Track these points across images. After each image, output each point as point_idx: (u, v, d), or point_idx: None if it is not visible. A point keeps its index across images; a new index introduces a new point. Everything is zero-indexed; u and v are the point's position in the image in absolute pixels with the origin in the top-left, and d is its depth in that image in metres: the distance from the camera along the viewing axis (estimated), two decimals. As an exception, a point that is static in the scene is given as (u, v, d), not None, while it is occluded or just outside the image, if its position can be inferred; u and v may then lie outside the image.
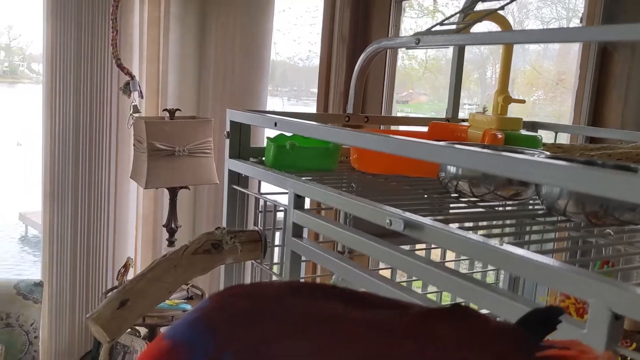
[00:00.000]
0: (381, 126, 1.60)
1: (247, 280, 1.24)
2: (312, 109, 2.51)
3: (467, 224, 0.84)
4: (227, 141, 1.12)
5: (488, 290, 0.61)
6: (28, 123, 7.93)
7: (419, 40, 0.97)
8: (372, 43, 1.13)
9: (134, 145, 2.07)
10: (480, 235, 0.65)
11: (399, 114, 2.58)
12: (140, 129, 1.95)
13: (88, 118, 2.16)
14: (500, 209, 0.90)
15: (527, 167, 0.54)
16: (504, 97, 1.10)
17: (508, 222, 0.83)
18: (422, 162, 0.96)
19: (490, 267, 1.40)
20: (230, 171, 1.12)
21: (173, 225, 2.11)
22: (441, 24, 1.00)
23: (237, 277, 1.16)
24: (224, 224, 1.12)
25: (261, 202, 1.09)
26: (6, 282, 2.06)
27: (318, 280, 1.53)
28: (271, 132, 1.09)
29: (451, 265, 1.29)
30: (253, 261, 1.07)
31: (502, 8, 1.04)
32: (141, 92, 2.13)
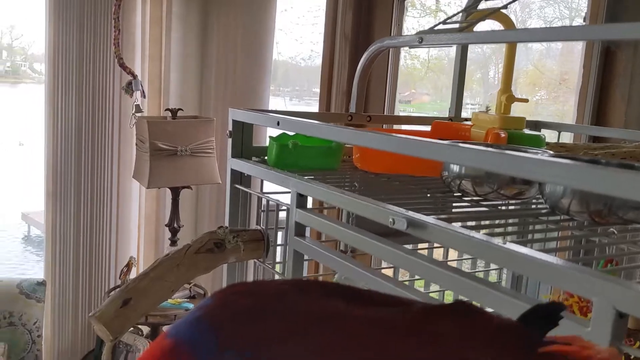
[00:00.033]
0: (384, 125, 1.60)
1: (250, 279, 1.24)
2: (314, 108, 2.51)
3: (470, 223, 0.84)
4: (230, 140, 1.12)
5: (491, 288, 0.60)
6: (30, 123, 7.95)
7: (421, 39, 0.97)
8: (374, 42, 1.13)
9: (136, 145, 2.07)
10: (483, 234, 0.65)
11: (402, 114, 2.58)
12: (142, 128, 1.95)
13: (90, 118, 2.16)
14: (504, 208, 0.90)
15: (531, 166, 0.54)
16: (507, 96, 1.09)
17: (511, 221, 0.83)
18: (425, 161, 0.96)
19: (492, 267, 1.40)
20: (232, 170, 1.12)
21: (175, 225, 2.11)
22: (444, 22, 1.00)
23: (240, 276, 1.16)
24: (227, 223, 1.12)
25: (264, 202, 1.09)
26: (9, 281, 2.06)
27: (320, 279, 1.53)
28: (273, 132, 1.09)
29: (453, 264, 1.29)
30: (255, 260, 1.07)
31: (505, 7, 1.03)
32: (143, 91, 2.13)
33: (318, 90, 2.22)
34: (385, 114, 2.06)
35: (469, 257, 1.36)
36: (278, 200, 1.05)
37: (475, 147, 0.62)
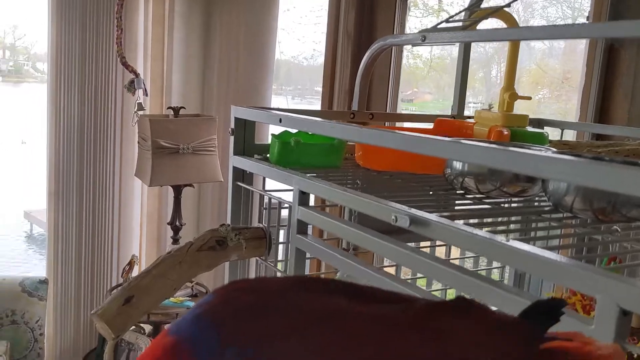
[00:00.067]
0: (386, 123, 1.60)
1: (252, 277, 1.24)
2: (316, 107, 2.50)
3: (472, 221, 0.84)
4: (232, 138, 1.12)
5: (494, 286, 0.60)
6: (33, 122, 7.96)
7: (424, 37, 0.97)
8: (377, 40, 1.13)
9: (138, 143, 2.07)
10: (486, 231, 0.65)
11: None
12: (144, 126, 1.95)
13: (92, 116, 2.16)
14: (506, 205, 0.90)
15: (535, 162, 0.54)
16: (510, 93, 1.09)
17: (514, 218, 0.83)
18: (427, 159, 0.96)
19: (495, 265, 1.40)
20: (234, 168, 1.12)
21: (177, 223, 2.11)
22: (447, 21, 1.00)
23: (242, 274, 1.16)
24: (229, 221, 1.12)
25: (265, 199, 1.08)
26: (11, 279, 2.07)
27: (323, 277, 1.52)
28: (276, 130, 1.09)
29: (456, 262, 1.28)
30: (258, 258, 1.07)
31: (508, 5, 1.03)
32: (146, 89, 2.13)
33: (320, 89, 2.22)
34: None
35: (472, 255, 1.36)
36: (280, 198, 1.05)
37: (478, 143, 0.61)
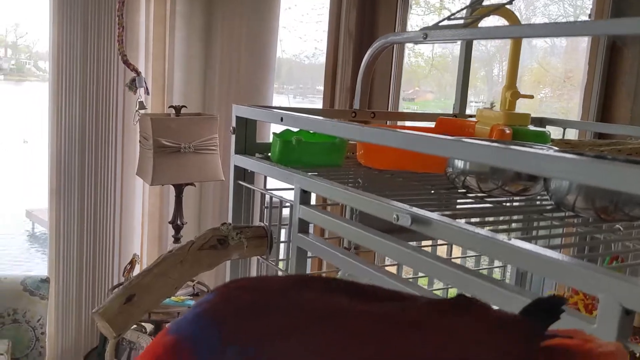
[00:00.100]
0: (388, 122, 1.59)
1: (253, 276, 1.24)
2: (318, 106, 2.50)
3: (474, 220, 0.83)
4: (233, 137, 1.11)
5: (496, 285, 0.60)
6: (34, 121, 7.96)
7: (426, 35, 0.97)
8: (379, 38, 1.13)
9: (139, 142, 2.07)
10: (488, 230, 0.64)
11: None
12: (146, 125, 1.95)
13: (94, 115, 2.16)
14: (508, 204, 0.89)
15: (537, 161, 0.54)
16: (512, 92, 1.09)
17: (515, 217, 0.82)
18: (429, 158, 0.96)
19: (496, 264, 1.40)
20: (236, 167, 1.12)
21: (179, 222, 2.11)
22: (449, 18, 1.00)
23: (243, 273, 1.16)
24: (230, 220, 1.12)
25: (267, 198, 1.08)
26: (13, 278, 2.07)
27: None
28: (277, 128, 1.09)
29: (457, 262, 1.28)
30: (259, 257, 1.06)
31: (510, 2, 1.03)
32: (147, 88, 2.13)
33: (322, 88, 2.22)
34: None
35: (473, 254, 1.35)
36: (281, 197, 1.05)
37: (480, 142, 0.61)
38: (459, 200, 0.90)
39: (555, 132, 1.31)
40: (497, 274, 1.41)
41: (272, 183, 1.09)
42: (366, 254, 1.39)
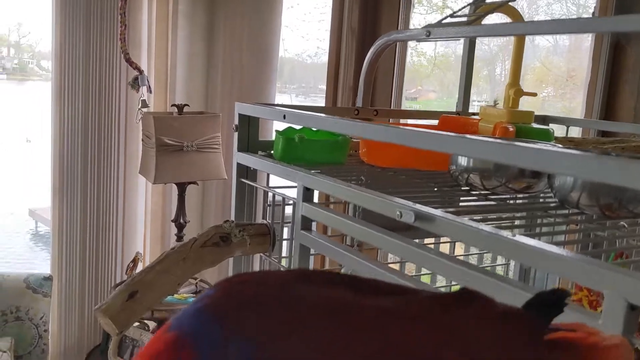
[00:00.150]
0: (390, 120, 1.59)
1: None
2: (320, 105, 2.50)
3: (477, 217, 0.83)
4: (236, 134, 1.11)
5: (500, 281, 0.60)
6: (37, 120, 7.98)
7: (429, 32, 0.97)
8: (382, 36, 1.12)
9: (142, 140, 2.07)
10: (491, 226, 0.64)
11: (408, 110, 2.56)
12: (148, 124, 1.95)
13: (97, 114, 2.16)
14: (512, 202, 0.89)
15: (542, 157, 0.54)
16: (516, 90, 1.08)
17: (519, 214, 0.82)
18: (432, 155, 0.95)
19: (499, 262, 1.39)
20: (238, 164, 1.12)
21: (181, 221, 2.11)
22: (452, 16, 0.99)
23: (246, 270, 1.15)
24: (233, 218, 1.12)
25: (270, 196, 1.08)
26: (16, 275, 2.07)
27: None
28: (280, 127, 1.09)
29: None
30: (261, 254, 1.06)
31: None
32: (149, 86, 2.13)
33: (324, 87, 2.21)
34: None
35: (476, 252, 1.35)
36: (284, 194, 1.04)
37: (484, 138, 0.61)
38: (462, 198, 0.90)
39: (558, 131, 1.31)
40: (500, 271, 1.40)
41: (274, 181, 1.09)
42: (369, 252, 1.39)
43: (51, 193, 2.21)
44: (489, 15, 1.07)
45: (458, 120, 1.20)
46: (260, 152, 1.13)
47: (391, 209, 0.72)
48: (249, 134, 1.11)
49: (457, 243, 1.29)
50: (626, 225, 0.72)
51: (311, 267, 1.02)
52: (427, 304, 0.37)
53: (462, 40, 1.35)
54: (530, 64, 4.20)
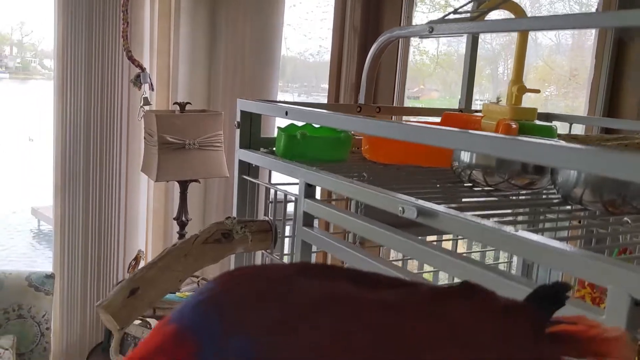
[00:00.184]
0: (393, 117, 1.59)
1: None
2: (322, 103, 2.49)
3: (480, 212, 0.83)
4: (237, 131, 1.11)
5: (504, 277, 0.59)
6: (40, 119, 7.99)
7: (432, 28, 0.96)
8: (384, 32, 1.12)
9: (144, 138, 2.07)
10: (495, 222, 0.64)
11: (410, 108, 2.55)
12: (150, 122, 1.95)
13: (99, 112, 2.16)
14: (515, 198, 0.89)
15: (545, 151, 0.53)
16: (519, 86, 1.08)
17: (522, 210, 0.82)
18: (434, 152, 0.95)
19: (501, 260, 1.39)
20: (240, 161, 1.11)
21: (183, 218, 2.11)
22: (455, 12, 0.99)
23: (247, 268, 1.15)
24: (234, 215, 1.12)
25: (271, 193, 1.08)
26: (18, 273, 2.07)
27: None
28: (282, 123, 1.09)
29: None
30: (263, 251, 1.06)
31: (516, -4, 1.02)
32: (152, 84, 2.13)
33: (327, 86, 2.21)
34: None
35: (478, 250, 1.35)
36: (286, 191, 1.04)
37: (487, 133, 0.61)
38: (465, 194, 0.90)
39: (561, 129, 1.30)
40: (502, 268, 1.40)
41: (276, 178, 1.09)
42: (371, 249, 1.39)
43: (53, 191, 2.21)
44: (492, 13, 1.07)
45: (461, 117, 1.20)
46: (262, 149, 1.13)
47: (393, 204, 0.72)
48: (250, 130, 1.11)
49: (459, 241, 1.29)
50: (630, 222, 0.72)
51: (313, 264, 1.02)
52: (428, 297, 0.37)
53: (464, 39, 1.34)
54: (533, 62, 4.19)
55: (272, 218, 1.04)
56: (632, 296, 0.48)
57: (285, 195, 1.04)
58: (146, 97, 2.10)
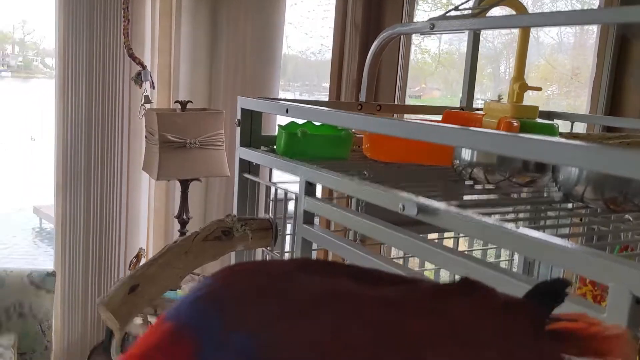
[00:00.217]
0: (394, 115, 1.58)
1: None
2: (324, 101, 2.49)
3: (481, 210, 0.83)
4: (238, 129, 1.11)
5: (505, 274, 0.59)
6: (42, 117, 8.00)
7: (433, 25, 0.96)
8: (385, 29, 1.12)
9: (145, 137, 2.07)
10: (496, 219, 0.64)
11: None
12: (152, 120, 1.95)
13: (100, 111, 2.16)
14: (516, 196, 0.89)
15: (547, 148, 0.53)
16: (520, 84, 1.08)
17: (523, 208, 0.82)
18: (435, 150, 0.95)
19: (503, 258, 1.39)
20: (241, 159, 1.11)
21: (184, 217, 2.11)
22: (456, 9, 0.99)
23: (248, 266, 1.15)
24: (235, 213, 1.12)
25: (272, 191, 1.08)
26: (19, 271, 2.07)
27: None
28: (283, 122, 1.09)
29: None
30: (264, 249, 1.06)
31: (518, -7, 1.02)
32: (152, 82, 2.13)
33: (328, 85, 2.21)
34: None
35: (479, 248, 1.35)
36: (287, 189, 1.04)
37: (488, 130, 0.60)
38: (466, 192, 0.90)
39: (563, 127, 1.30)
40: (503, 266, 1.40)
41: (277, 177, 1.09)
42: (372, 247, 1.39)
43: (55, 189, 2.21)
44: (494, 10, 1.07)
45: (462, 116, 1.19)
46: (262, 147, 1.12)
47: (394, 202, 0.72)
48: (251, 128, 1.11)
49: (460, 240, 1.29)
50: (631, 219, 0.71)
51: (314, 262, 1.02)
52: (428, 293, 0.37)
53: (466, 38, 1.34)
54: (535, 61, 4.18)
55: (272, 216, 1.03)
56: (634, 294, 0.48)
57: (286, 193, 1.04)
58: (147, 95, 2.10)
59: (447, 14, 0.96)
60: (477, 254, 1.36)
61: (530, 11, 1.13)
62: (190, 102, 2.08)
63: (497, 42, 4.53)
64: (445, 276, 1.34)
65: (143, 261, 2.16)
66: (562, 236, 0.59)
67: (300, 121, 1.07)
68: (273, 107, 1.03)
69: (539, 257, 0.65)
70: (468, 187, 0.90)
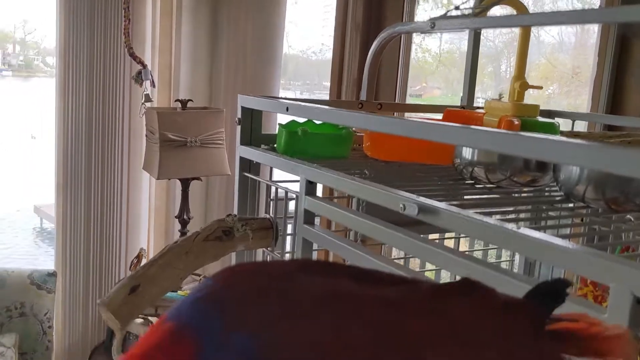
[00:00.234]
0: (395, 114, 1.58)
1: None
2: (324, 100, 2.48)
3: (482, 210, 0.82)
4: (238, 128, 1.11)
5: (505, 275, 0.59)
6: (42, 116, 8.00)
7: (434, 24, 0.96)
8: (386, 28, 1.12)
9: (146, 136, 2.07)
10: (497, 219, 0.63)
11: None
12: (152, 119, 1.95)
13: (100, 111, 2.16)
14: (517, 195, 0.88)
15: (548, 147, 0.53)
16: (521, 83, 1.07)
17: (524, 208, 0.81)
18: (436, 149, 0.95)
19: (503, 258, 1.39)
20: (241, 158, 1.11)
21: (185, 217, 2.11)
22: (457, 8, 0.98)
23: (249, 266, 1.15)
24: (236, 212, 1.12)
25: (272, 190, 1.08)
26: (20, 272, 2.07)
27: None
28: (283, 120, 1.08)
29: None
30: (264, 249, 1.06)
31: (518, -8, 1.02)
32: (153, 80, 2.13)
33: (329, 84, 2.21)
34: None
35: (480, 248, 1.34)
36: (287, 189, 1.04)
37: (489, 129, 0.60)
38: (466, 192, 0.89)
39: (563, 126, 1.30)
40: (504, 267, 1.40)
41: (278, 176, 1.09)
42: (372, 247, 1.39)
43: (55, 189, 2.21)
44: (494, 9, 1.06)
45: (462, 114, 1.19)
46: (263, 146, 1.12)
47: (395, 201, 0.72)
48: (252, 127, 1.11)
49: (461, 240, 1.28)
50: (632, 219, 0.71)
51: (314, 261, 1.02)
52: (428, 293, 0.36)
53: (467, 37, 1.34)
54: (536, 60, 4.18)
55: (273, 216, 1.03)
56: (635, 294, 0.48)
57: (287, 193, 1.04)
58: (147, 94, 2.10)
59: (448, 13, 0.95)
60: (478, 254, 1.36)
61: (530, 10, 1.13)
62: (191, 100, 2.08)
63: (497, 41, 4.53)
64: (446, 277, 1.34)
65: (144, 261, 2.16)
66: (563, 236, 0.59)
67: (301, 120, 1.07)
68: (273, 106, 1.02)
69: (540, 258, 0.64)
70: (469, 187, 0.90)
